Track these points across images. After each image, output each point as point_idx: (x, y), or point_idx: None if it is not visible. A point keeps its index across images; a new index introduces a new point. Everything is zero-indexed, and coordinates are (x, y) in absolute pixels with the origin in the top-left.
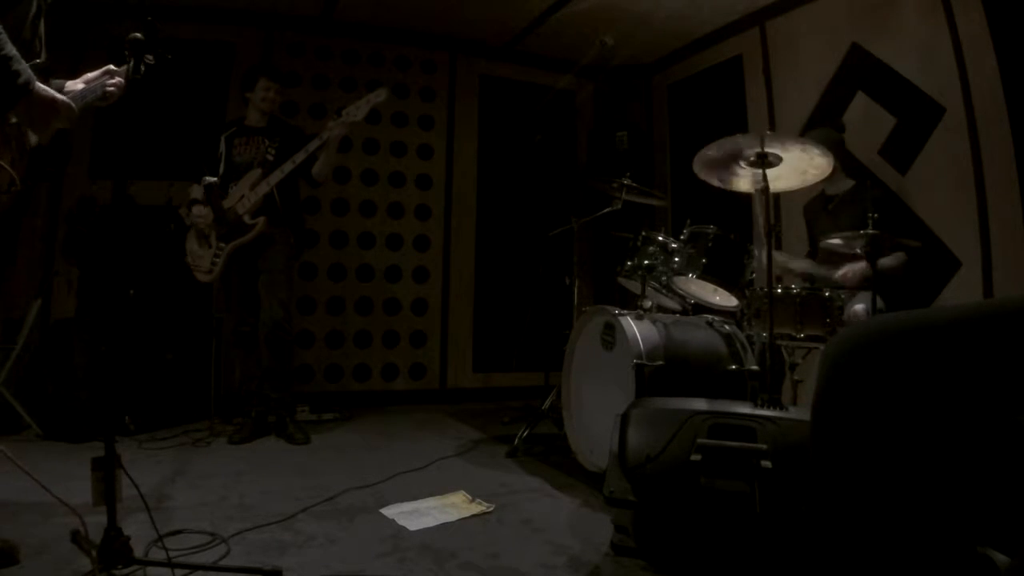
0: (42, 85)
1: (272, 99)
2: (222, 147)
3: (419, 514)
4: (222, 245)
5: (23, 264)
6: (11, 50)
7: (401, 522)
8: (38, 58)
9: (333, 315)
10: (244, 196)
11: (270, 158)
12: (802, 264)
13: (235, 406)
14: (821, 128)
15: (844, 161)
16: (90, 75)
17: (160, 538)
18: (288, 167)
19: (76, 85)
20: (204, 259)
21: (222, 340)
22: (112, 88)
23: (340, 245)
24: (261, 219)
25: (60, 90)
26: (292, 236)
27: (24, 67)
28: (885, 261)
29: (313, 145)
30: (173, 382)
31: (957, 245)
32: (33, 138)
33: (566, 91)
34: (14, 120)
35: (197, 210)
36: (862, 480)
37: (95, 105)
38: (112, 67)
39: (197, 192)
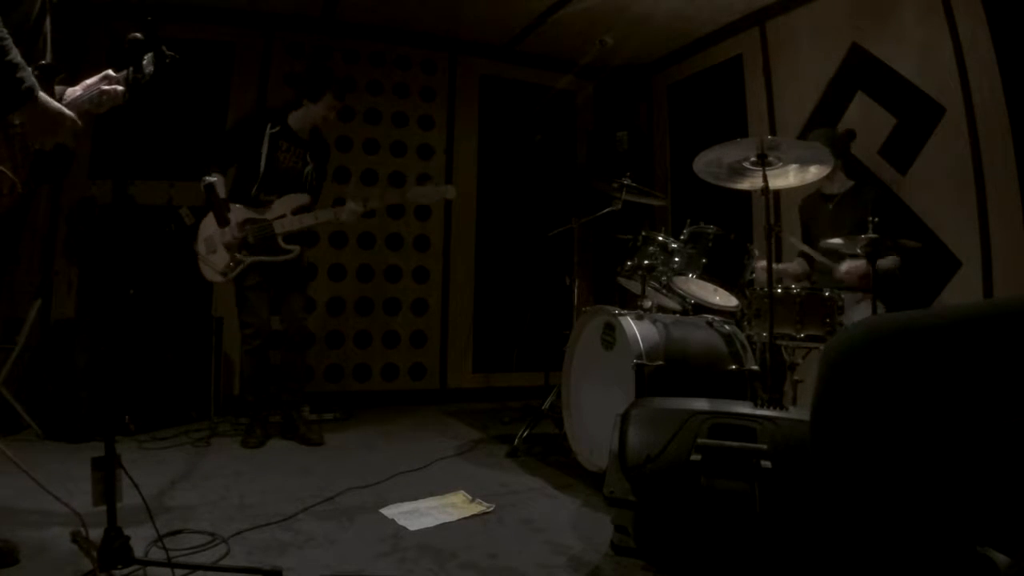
0: (46, 96)
1: (332, 119)
2: (266, 144)
3: (419, 514)
4: (244, 253)
5: (23, 264)
6: (15, 57)
7: (401, 522)
8: (43, 58)
9: (333, 315)
10: (285, 217)
11: (313, 182)
12: (795, 267)
13: (236, 407)
14: (823, 128)
15: (846, 162)
16: (89, 80)
17: (160, 538)
18: (344, 216)
19: (75, 91)
20: (221, 260)
21: (222, 340)
22: (108, 92)
23: (340, 245)
24: (297, 249)
25: (60, 97)
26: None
27: (27, 74)
28: (882, 263)
29: (372, 204)
30: (173, 382)
31: (957, 245)
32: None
33: (566, 91)
34: (17, 123)
35: (237, 218)
36: (862, 480)
37: (91, 112)
38: (110, 72)
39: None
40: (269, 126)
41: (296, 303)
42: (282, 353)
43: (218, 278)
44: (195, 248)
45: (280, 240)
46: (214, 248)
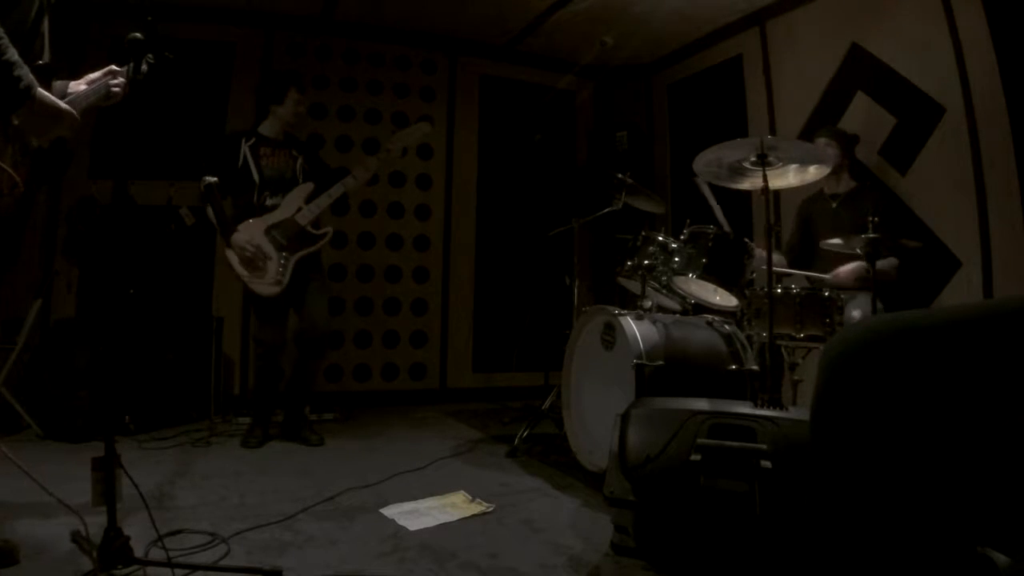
0: (45, 92)
1: (302, 114)
2: (247, 156)
3: (419, 514)
4: (286, 255)
5: (23, 264)
6: (12, 55)
7: (401, 522)
8: (40, 59)
9: (333, 315)
10: (302, 209)
11: (307, 169)
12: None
13: (236, 407)
14: (831, 127)
15: (852, 162)
16: (92, 75)
17: (160, 538)
18: (351, 183)
19: (79, 86)
20: (268, 271)
21: (222, 340)
22: (116, 89)
23: (340, 245)
24: (329, 229)
25: (63, 92)
26: None
27: (25, 72)
28: (881, 264)
29: (371, 165)
30: (173, 382)
31: (957, 245)
32: (34, 140)
33: (566, 91)
34: (16, 123)
35: (245, 239)
36: (862, 480)
37: (98, 105)
38: (115, 67)
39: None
40: (244, 140)
41: (316, 302)
42: (297, 355)
43: (275, 289)
44: (237, 273)
45: (309, 228)
46: (260, 266)
